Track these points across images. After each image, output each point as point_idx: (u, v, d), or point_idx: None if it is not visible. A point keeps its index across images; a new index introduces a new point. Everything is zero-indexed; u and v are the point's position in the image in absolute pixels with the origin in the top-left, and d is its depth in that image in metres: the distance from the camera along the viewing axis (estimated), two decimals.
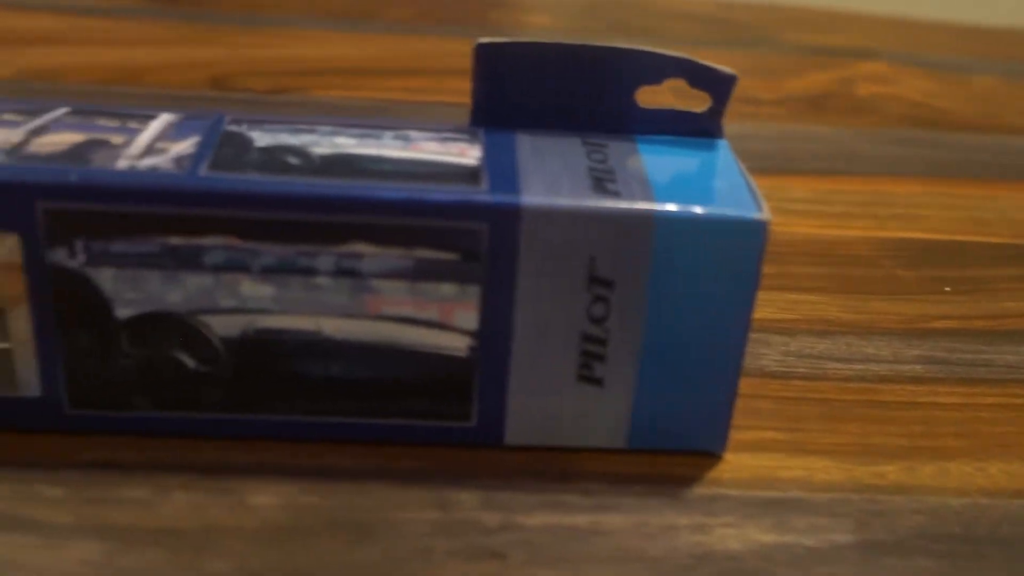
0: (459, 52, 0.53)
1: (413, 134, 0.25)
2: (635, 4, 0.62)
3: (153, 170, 0.22)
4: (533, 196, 0.22)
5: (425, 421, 0.24)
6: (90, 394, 0.23)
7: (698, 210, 0.22)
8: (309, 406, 0.24)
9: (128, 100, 0.43)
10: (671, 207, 0.22)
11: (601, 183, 0.23)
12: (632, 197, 0.22)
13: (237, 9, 0.56)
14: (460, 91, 0.48)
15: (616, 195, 0.22)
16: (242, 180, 0.22)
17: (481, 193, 0.22)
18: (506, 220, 0.22)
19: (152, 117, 0.24)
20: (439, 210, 0.22)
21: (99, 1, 0.55)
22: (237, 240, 0.22)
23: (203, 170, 0.22)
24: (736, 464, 0.25)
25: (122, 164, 0.22)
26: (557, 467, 0.25)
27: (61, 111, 0.24)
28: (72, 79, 0.46)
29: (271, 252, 0.22)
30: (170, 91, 0.45)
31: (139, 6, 0.55)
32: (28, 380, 0.23)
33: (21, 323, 0.23)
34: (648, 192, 0.23)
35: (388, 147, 0.24)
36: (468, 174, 0.23)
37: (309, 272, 0.22)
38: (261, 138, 0.24)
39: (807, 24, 0.61)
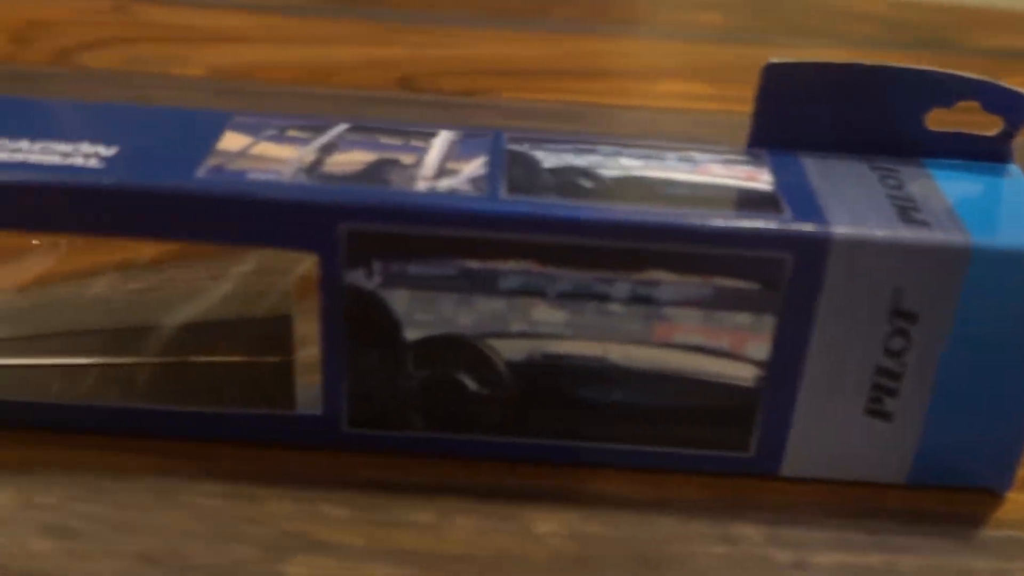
0: (632, 52, 0.53)
1: (696, 155, 0.24)
2: (809, 4, 0.60)
3: (453, 192, 0.22)
4: (843, 226, 0.21)
5: (700, 450, 0.24)
6: (370, 413, 0.23)
7: (1018, 243, 0.21)
8: (587, 431, 0.24)
9: (322, 102, 0.44)
10: (989, 240, 0.21)
11: (906, 212, 0.22)
12: (944, 228, 0.21)
13: (417, 8, 0.56)
14: (640, 94, 0.47)
15: (926, 225, 0.22)
16: (545, 205, 0.21)
17: (788, 222, 0.21)
18: (814, 250, 0.21)
19: (431, 135, 0.24)
20: (744, 239, 0.21)
21: None
22: (536, 265, 0.22)
23: (502, 193, 0.22)
24: (1022, 504, 0.24)
25: (422, 186, 0.22)
26: (837, 501, 0.24)
27: (342, 127, 0.24)
28: (262, 78, 0.46)
29: (568, 278, 0.22)
30: (361, 92, 0.45)
31: (325, 5, 0.55)
32: (308, 397, 0.23)
33: (306, 338, 0.23)
34: (959, 223, 0.22)
35: (675, 170, 0.23)
36: (766, 200, 0.22)
37: (603, 298, 0.22)
38: (546, 158, 0.23)
39: (988, 25, 0.59)
